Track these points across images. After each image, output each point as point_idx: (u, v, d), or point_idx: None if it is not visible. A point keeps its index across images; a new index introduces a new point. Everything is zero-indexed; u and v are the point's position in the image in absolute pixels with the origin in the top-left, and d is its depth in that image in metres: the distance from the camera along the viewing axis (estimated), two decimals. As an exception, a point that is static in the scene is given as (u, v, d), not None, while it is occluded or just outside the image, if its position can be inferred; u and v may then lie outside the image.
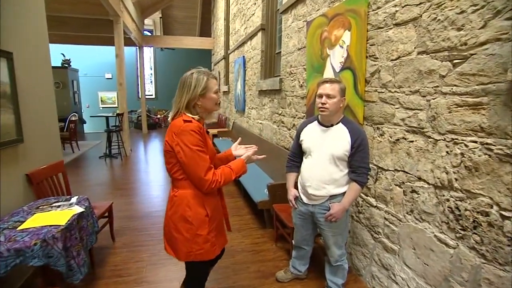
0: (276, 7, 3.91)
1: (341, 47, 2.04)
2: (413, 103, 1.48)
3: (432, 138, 1.38)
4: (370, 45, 1.80)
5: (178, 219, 1.24)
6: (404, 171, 1.58)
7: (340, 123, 1.57)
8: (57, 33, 7.43)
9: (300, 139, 1.72)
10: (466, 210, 1.21)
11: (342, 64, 2.04)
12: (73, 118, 6.59)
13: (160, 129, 11.08)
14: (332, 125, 1.58)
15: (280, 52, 3.73)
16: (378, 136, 1.78)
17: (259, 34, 4.29)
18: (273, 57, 4.06)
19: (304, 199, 1.69)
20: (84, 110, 10.86)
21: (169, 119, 1.26)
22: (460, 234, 1.24)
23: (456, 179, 1.25)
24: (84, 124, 9.96)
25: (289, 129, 3.21)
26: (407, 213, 1.56)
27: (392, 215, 1.67)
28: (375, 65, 1.77)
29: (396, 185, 1.64)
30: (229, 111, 7.26)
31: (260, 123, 4.39)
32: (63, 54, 8.67)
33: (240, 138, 1.64)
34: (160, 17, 10.74)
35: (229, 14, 6.98)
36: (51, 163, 2.21)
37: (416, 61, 1.44)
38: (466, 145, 1.20)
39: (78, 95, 9.80)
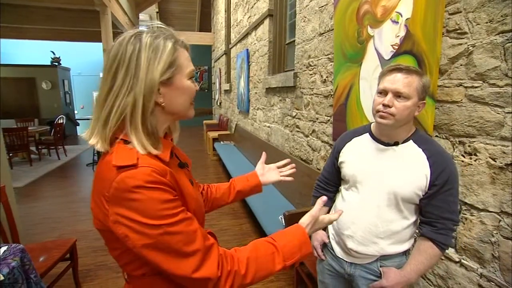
0: (287, -12, 3.27)
1: (395, 22, 1.40)
2: (556, 105, 0.85)
3: None
4: (451, 13, 1.16)
5: None
6: (526, 218, 0.94)
7: (411, 141, 0.94)
8: (45, 28, 6.82)
9: (340, 160, 1.10)
10: None
11: (396, 47, 1.40)
12: (60, 121, 5.99)
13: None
14: (396, 143, 0.95)
15: (291, 42, 3.10)
16: (463, 156, 1.15)
17: (266, 21, 3.66)
18: (283, 48, 3.43)
19: (338, 253, 1.09)
20: (78, 111, 10.30)
21: (97, 146, 0.56)
22: None
23: None
24: (77, 126, 9.40)
25: (307, 136, 2.58)
26: (535, 291, 0.93)
27: (497, 284, 1.04)
28: (460, 44, 1.13)
29: (507, 238, 1.01)
30: (231, 111, 6.63)
31: (268, 127, 3.76)
32: (53, 52, 8.08)
33: (264, 154, 1.03)
34: (157, 12, 10.12)
35: (230, 4, 6.35)
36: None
37: None
38: None
39: (70, 96, 9.23)
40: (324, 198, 0.74)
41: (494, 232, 1.04)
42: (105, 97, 0.55)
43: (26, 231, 2.67)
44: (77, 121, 8.71)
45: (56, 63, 8.09)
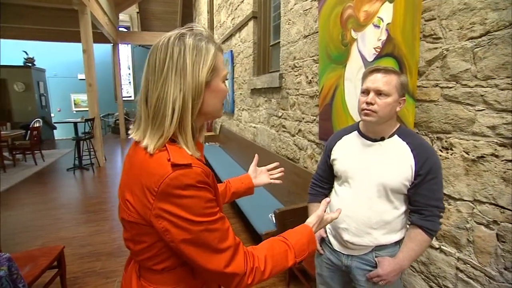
0: (271, -9, 3.34)
1: (377, 26, 1.49)
2: (519, 103, 0.95)
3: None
4: (427, 20, 1.26)
5: None
6: (496, 205, 1.05)
7: (396, 136, 1.02)
8: (17, 27, 6.48)
9: (332, 157, 1.16)
10: None
11: (378, 50, 1.49)
12: (37, 125, 5.73)
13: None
14: (382, 139, 1.03)
15: (276, 43, 3.18)
16: (441, 151, 1.25)
17: (250, 23, 3.71)
18: (268, 50, 3.49)
19: (336, 246, 1.15)
20: (55, 114, 9.87)
21: (150, 147, 0.56)
22: None
23: None
24: (55, 130, 9.00)
25: (293, 135, 2.65)
26: (506, 269, 1.03)
27: (472, 266, 1.14)
28: (435, 48, 1.23)
29: (479, 223, 1.11)
30: (215, 112, 6.61)
31: (254, 127, 3.80)
32: (25, 52, 7.69)
33: (257, 157, 1.08)
34: (138, 12, 9.90)
35: (213, 5, 6.35)
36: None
37: (527, 36, 0.92)
38: None
39: (46, 98, 8.82)
40: (328, 199, 0.81)
41: (469, 219, 1.15)
42: (157, 99, 0.56)
43: (5, 241, 2.56)
44: (55, 124, 8.33)
45: (30, 64, 7.70)
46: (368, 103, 0.97)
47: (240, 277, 0.58)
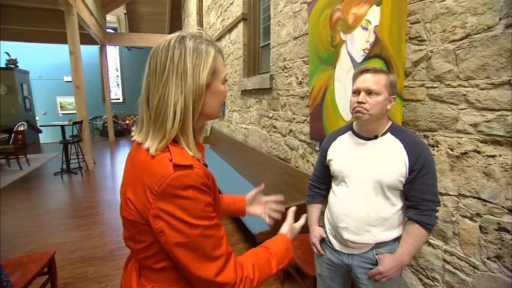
0: (260, -7, 3.38)
1: (365, 29, 1.54)
2: (498, 101, 1.01)
3: (538, 153, 0.91)
4: (412, 23, 1.32)
5: None
6: (479, 198, 1.10)
7: (389, 134, 1.05)
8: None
9: (328, 158, 1.19)
10: None
11: (367, 51, 1.54)
12: (21, 128, 5.57)
13: (130, 136, 10.08)
14: (376, 137, 1.06)
15: (266, 45, 3.21)
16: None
17: (240, 25, 3.73)
18: (258, 51, 3.52)
19: (336, 245, 1.16)
20: (40, 117, 9.60)
21: (152, 148, 0.57)
22: None
23: None
24: (40, 134, 8.76)
25: (284, 136, 2.68)
26: (488, 259, 1.09)
27: (458, 257, 1.20)
28: (420, 50, 1.29)
29: (464, 216, 1.17)
30: (206, 114, 6.59)
31: (245, 128, 3.82)
32: (7, 53, 7.46)
33: (262, 186, 1.02)
34: (125, 13, 9.76)
35: (202, 7, 6.34)
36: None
37: (504, 38, 0.97)
38: None
39: (30, 101, 8.57)
40: (293, 208, 0.86)
41: (454, 212, 1.20)
42: (158, 101, 0.57)
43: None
44: (40, 127, 8.11)
45: (12, 66, 7.47)
46: (359, 103, 1.00)
47: (231, 287, 0.58)
